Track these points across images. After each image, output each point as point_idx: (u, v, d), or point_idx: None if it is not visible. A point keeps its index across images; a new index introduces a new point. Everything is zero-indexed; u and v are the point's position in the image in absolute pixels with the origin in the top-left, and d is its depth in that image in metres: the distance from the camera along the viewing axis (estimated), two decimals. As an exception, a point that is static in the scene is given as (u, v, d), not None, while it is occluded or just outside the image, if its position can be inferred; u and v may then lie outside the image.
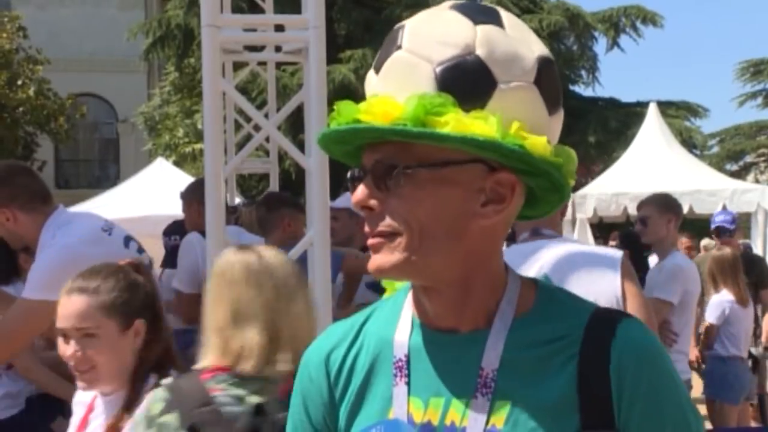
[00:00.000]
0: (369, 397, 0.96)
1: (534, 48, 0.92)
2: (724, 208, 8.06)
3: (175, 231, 4.87)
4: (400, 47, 0.90)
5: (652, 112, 10.41)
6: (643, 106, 12.71)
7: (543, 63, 0.91)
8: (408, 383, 0.94)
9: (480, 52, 0.88)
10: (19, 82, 15.45)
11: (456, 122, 0.85)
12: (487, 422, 0.90)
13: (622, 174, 9.23)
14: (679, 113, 15.38)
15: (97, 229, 2.70)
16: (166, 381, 1.73)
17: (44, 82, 16.02)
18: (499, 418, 0.90)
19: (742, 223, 8.80)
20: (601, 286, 2.27)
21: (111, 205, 9.52)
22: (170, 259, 4.80)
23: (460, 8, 0.91)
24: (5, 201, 2.62)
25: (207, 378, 1.66)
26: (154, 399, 1.67)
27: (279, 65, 7.24)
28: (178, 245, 4.22)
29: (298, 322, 1.67)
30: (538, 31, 14.20)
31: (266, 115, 4.17)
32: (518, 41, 0.91)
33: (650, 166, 9.47)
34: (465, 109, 0.86)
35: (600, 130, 14.87)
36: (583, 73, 16.41)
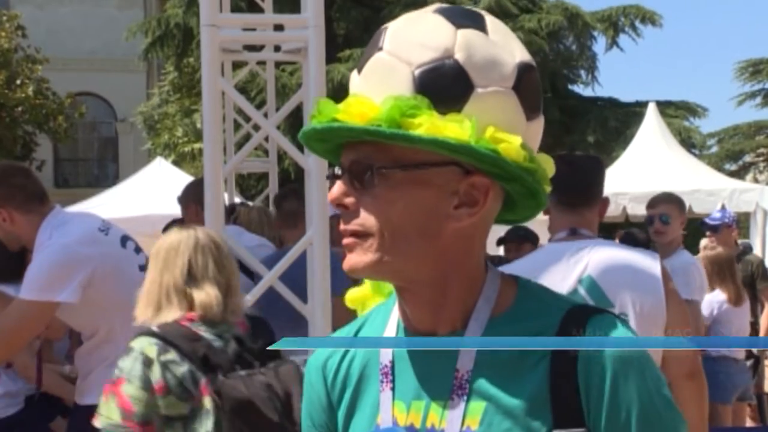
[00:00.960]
0: (361, 404, 0.99)
1: (516, 54, 0.92)
2: (723, 207, 8.06)
3: (174, 230, 4.87)
4: (381, 49, 0.91)
5: (651, 112, 10.41)
6: (642, 105, 12.72)
7: (523, 69, 0.92)
8: (393, 388, 0.96)
9: (459, 56, 0.89)
10: (18, 82, 15.43)
11: (429, 125, 0.86)
12: (463, 423, 0.91)
13: (621, 174, 9.21)
14: (678, 113, 15.39)
15: (93, 230, 2.70)
16: (145, 330, 2.02)
17: (43, 82, 16.00)
18: (474, 419, 0.91)
19: (742, 223, 8.81)
20: (645, 292, 2.27)
21: (110, 204, 9.51)
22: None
23: (443, 12, 0.92)
24: (1, 201, 2.62)
25: (187, 324, 2.02)
26: (143, 344, 1.97)
27: (278, 65, 7.23)
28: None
29: (236, 277, 2.13)
30: (536, 31, 14.26)
31: (265, 115, 4.17)
32: (499, 46, 0.91)
33: (649, 165, 9.46)
34: (441, 112, 0.87)
35: (599, 129, 14.87)
36: (582, 72, 16.42)
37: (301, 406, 1.07)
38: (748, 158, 23.67)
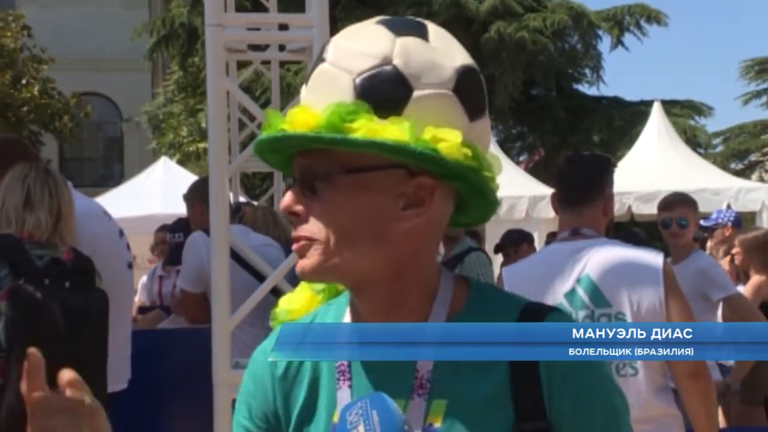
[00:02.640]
0: (315, 401, 0.98)
1: (456, 58, 0.94)
2: (729, 207, 8.04)
3: (179, 228, 4.88)
4: (324, 60, 0.95)
5: (657, 111, 10.38)
6: (647, 104, 12.68)
7: (464, 72, 0.94)
8: (351, 386, 0.96)
9: (397, 61, 0.91)
10: (24, 81, 15.47)
11: (367, 128, 0.88)
12: (425, 421, 0.92)
13: (626, 173, 9.19)
14: (683, 112, 15.34)
15: (99, 210, 2.81)
16: None
17: (48, 81, 16.05)
18: (437, 417, 0.93)
19: (748, 222, 8.78)
20: (644, 290, 2.26)
21: (115, 203, 9.52)
22: (173, 256, 4.81)
23: (385, 22, 0.96)
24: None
25: (19, 239, 2.34)
26: None
27: (283, 64, 7.22)
28: (181, 243, 4.22)
29: (68, 206, 2.45)
30: (541, 30, 14.24)
31: (270, 114, 4.17)
32: (439, 52, 0.94)
33: (654, 165, 9.45)
34: (382, 116, 0.89)
35: (604, 129, 14.84)
36: (587, 71, 16.38)
37: (237, 397, 1.06)
38: (753, 157, 23.60)
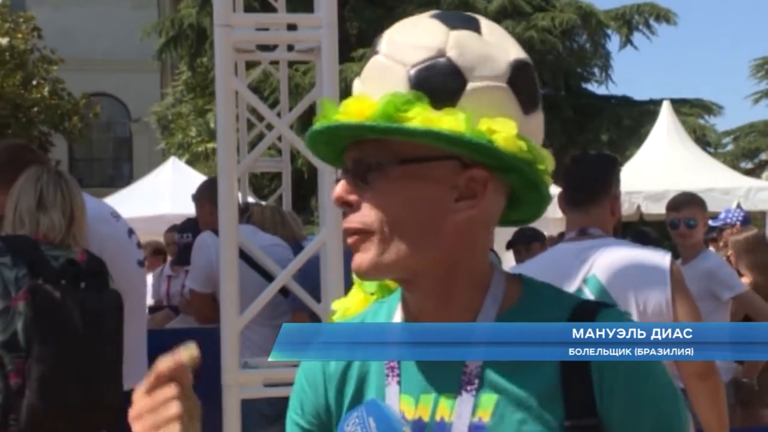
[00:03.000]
0: (365, 397, 0.98)
1: (510, 52, 0.95)
2: (739, 206, 7.99)
3: (188, 228, 4.89)
4: (377, 52, 0.95)
5: (666, 110, 10.35)
6: (656, 103, 12.65)
7: (518, 65, 0.94)
8: (399, 382, 0.96)
9: (451, 54, 0.91)
10: (34, 82, 15.54)
11: (423, 118, 0.88)
12: (474, 416, 0.92)
13: (635, 172, 9.16)
14: (692, 111, 15.30)
15: (106, 212, 2.82)
16: None
17: (58, 82, 16.11)
18: (486, 412, 0.92)
19: (757, 221, 8.74)
20: (650, 290, 2.25)
21: (124, 203, 9.55)
22: (182, 257, 4.83)
23: (439, 16, 0.96)
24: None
25: (35, 240, 2.36)
26: None
27: (291, 64, 7.25)
28: (190, 243, 4.23)
29: (80, 208, 2.47)
30: (550, 29, 14.22)
31: (279, 114, 4.18)
32: (493, 45, 0.94)
33: (664, 164, 9.42)
34: (437, 107, 0.89)
35: (613, 128, 14.81)
36: (596, 71, 16.36)
37: (292, 394, 1.06)
38: (764, 156, 23.49)
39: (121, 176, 22.63)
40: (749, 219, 6.02)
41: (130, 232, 2.85)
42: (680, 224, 3.84)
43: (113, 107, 23.11)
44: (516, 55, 0.95)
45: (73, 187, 2.50)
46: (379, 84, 0.92)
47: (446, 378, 0.94)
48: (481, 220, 0.94)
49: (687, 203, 3.90)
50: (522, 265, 2.61)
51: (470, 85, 0.91)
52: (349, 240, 0.94)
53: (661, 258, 2.32)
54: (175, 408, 0.83)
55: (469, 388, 0.93)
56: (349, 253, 0.94)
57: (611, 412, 0.91)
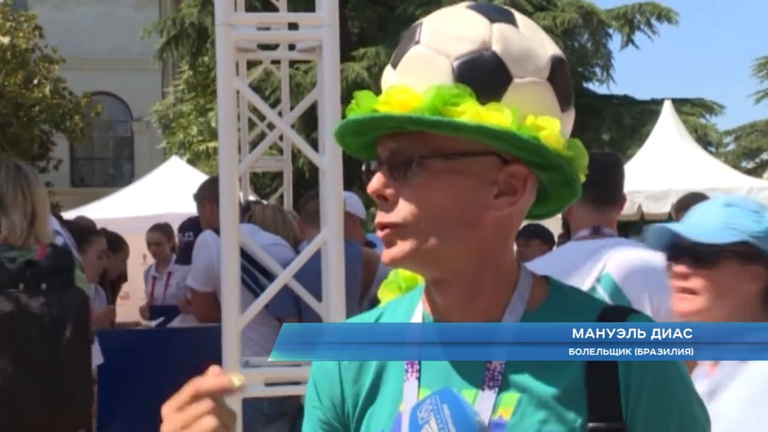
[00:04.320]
0: (381, 392, 0.98)
1: (547, 47, 0.94)
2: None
3: (189, 228, 4.90)
4: (418, 42, 0.92)
5: (667, 110, 10.34)
6: (657, 103, 12.63)
7: (556, 61, 0.94)
8: (419, 378, 0.95)
9: (496, 47, 0.90)
10: (35, 81, 15.53)
11: (473, 112, 0.87)
12: (494, 413, 0.91)
13: (636, 172, 9.15)
14: (694, 110, 15.28)
15: None
16: None
17: (60, 81, 16.10)
18: (507, 410, 0.91)
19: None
20: (663, 293, 2.25)
21: (125, 203, 9.57)
22: (184, 256, 4.83)
23: (476, 7, 0.94)
24: None
25: None
26: None
27: (292, 63, 7.25)
28: (192, 242, 4.23)
29: (42, 207, 2.43)
30: (551, 29, 14.19)
31: (280, 114, 4.18)
32: (532, 40, 0.93)
33: (665, 163, 9.40)
34: (481, 102, 0.88)
35: (614, 127, 14.79)
36: (597, 70, 16.34)
37: (307, 385, 1.05)
38: (765, 156, 23.48)
39: (123, 175, 22.63)
40: None
41: (54, 234, 2.80)
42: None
43: (114, 106, 23.11)
44: (553, 50, 0.94)
45: (34, 182, 2.43)
46: (421, 75, 0.90)
47: (468, 375, 0.93)
48: (516, 216, 0.94)
49: (696, 203, 3.85)
50: (534, 262, 2.60)
51: (515, 81, 0.90)
52: (381, 234, 0.92)
53: None
54: (211, 422, 0.80)
55: (491, 385, 0.92)
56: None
57: (636, 415, 0.90)
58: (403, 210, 0.91)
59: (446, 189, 0.90)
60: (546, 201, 0.98)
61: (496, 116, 0.87)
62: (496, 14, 0.93)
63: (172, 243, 5.86)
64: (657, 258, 2.35)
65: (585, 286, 2.28)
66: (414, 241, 0.91)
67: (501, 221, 0.92)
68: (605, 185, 2.42)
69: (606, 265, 2.28)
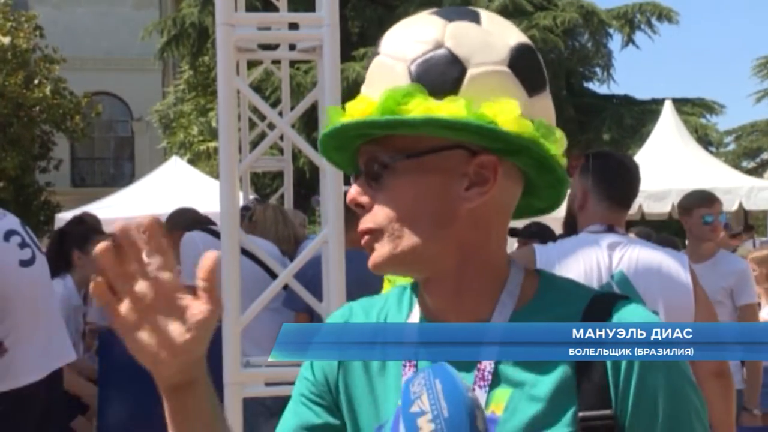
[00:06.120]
0: (380, 384, 0.98)
1: (511, 38, 0.94)
2: (741, 205, 7.99)
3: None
4: (379, 53, 0.95)
5: (668, 109, 10.34)
6: (658, 103, 12.64)
7: (518, 49, 0.93)
8: (416, 371, 0.96)
9: (449, 44, 0.91)
10: (36, 81, 15.56)
11: (423, 108, 0.88)
12: (487, 409, 0.91)
13: (637, 171, 9.17)
14: (694, 110, 15.29)
15: None
16: None
17: (60, 81, 16.13)
18: (499, 405, 0.92)
19: (759, 221, 8.73)
20: (676, 293, 2.28)
21: (126, 203, 9.58)
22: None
23: (438, 12, 0.96)
24: None
25: None
26: None
27: (293, 63, 7.25)
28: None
29: None
30: (552, 29, 14.21)
31: (280, 113, 4.18)
32: (492, 33, 0.93)
33: (665, 163, 9.40)
34: (438, 97, 0.89)
35: (615, 127, 14.81)
36: (598, 70, 16.36)
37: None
38: (765, 156, 23.48)
39: (123, 175, 22.65)
40: (729, 225, 5.99)
41: (9, 234, 2.81)
42: (715, 220, 3.71)
43: (115, 106, 23.13)
44: (517, 40, 0.94)
45: None
46: (382, 83, 0.92)
47: (461, 372, 0.93)
48: (493, 208, 0.93)
49: (716, 200, 3.79)
50: (544, 247, 2.53)
51: (470, 72, 0.90)
52: (363, 241, 0.94)
53: (684, 262, 2.35)
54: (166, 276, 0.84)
55: (482, 383, 0.92)
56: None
57: (625, 405, 0.90)
58: (379, 214, 0.92)
59: (416, 188, 0.91)
60: (536, 192, 0.98)
61: (449, 107, 0.88)
62: (456, 15, 0.94)
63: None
64: (669, 260, 2.36)
65: (596, 280, 2.27)
66: (390, 244, 0.92)
67: (476, 213, 0.92)
68: (624, 186, 2.43)
69: (621, 262, 2.29)
